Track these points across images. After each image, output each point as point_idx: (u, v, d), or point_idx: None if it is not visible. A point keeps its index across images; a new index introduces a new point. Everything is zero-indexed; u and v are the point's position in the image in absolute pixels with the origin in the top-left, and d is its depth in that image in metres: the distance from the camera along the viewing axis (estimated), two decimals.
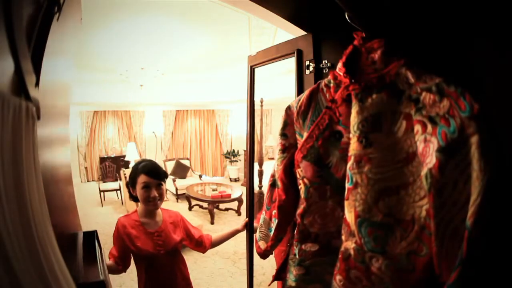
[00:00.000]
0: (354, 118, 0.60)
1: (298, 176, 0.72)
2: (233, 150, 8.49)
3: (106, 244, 3.97)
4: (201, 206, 5.42)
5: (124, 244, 1.23)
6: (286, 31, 1.24)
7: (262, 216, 0.88)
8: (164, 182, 1.29)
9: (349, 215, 0.59)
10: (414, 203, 0.51)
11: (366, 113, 0.58)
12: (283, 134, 0.80)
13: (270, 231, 0.83)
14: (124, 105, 7.93)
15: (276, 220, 0.81)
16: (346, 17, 0.66)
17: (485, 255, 0.42)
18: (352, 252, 0.59)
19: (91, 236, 1.00)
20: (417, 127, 0.51)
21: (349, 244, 0.60)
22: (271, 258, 1.01)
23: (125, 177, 4.68)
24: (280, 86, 4.53)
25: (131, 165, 7.02)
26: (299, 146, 0.73)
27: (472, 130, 0.42)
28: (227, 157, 8.44)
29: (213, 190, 5.27)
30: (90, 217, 4.98)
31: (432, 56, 0.74)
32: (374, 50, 0.62)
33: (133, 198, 1.32)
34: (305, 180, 0.70)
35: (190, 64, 4.18)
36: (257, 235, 0.90)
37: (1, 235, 0.20)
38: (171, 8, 2.44)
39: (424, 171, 0.48)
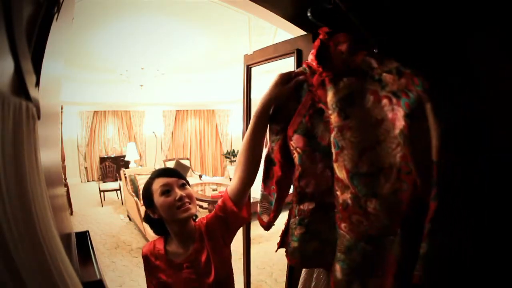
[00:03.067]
0: (331, 98, 0.74)
1: (291, 147, 0.86)
2: (233, 150, 8.48)
3: (106, 244, 3.96)
4: (201, 206, 5.42)
5: (149, 279, 0.97)
6: (286, 31, 1.25)
7: (260, 193, 0.99)
8: (188, 183, 0.96)
9: (341, 173, 0.74)
10: (389, 154, 0.67)
11: (341, 93, 0.73)
12: None
13: (271, 204, 0.95)
14: (124, 105, 7.93)
15: (275, 194, 0.93)
16: (309, 13, 0.79)
17: (448, 174, 0.61)
18: (349, 201, 0.73)
19: (84, 237, 1.00)
20: (385, 101, 0.67)
21: (345, 196, 0.74)
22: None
23: (125, 177, 4.67)
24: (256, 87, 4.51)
25: (131, 165, 6.94)
26: (290, 122, 0.86)
27: (426, 99, 0.60)
28: (227, 157, 8.44)
29: (213, 190, 5.26)
30: (90, 217, 4.97)
31: (433, 56, 0.75)
32: (341, 43, 0.74)
33: (158, 226, 0.97)
34: (298, 149, 0.84)
35: (190, 64, 4.18)
36: (258, 210, 1.00)
37: (3, 234, 0.20)
38: (171, 8, 2.44)
39: (397, 131, 0.64)
